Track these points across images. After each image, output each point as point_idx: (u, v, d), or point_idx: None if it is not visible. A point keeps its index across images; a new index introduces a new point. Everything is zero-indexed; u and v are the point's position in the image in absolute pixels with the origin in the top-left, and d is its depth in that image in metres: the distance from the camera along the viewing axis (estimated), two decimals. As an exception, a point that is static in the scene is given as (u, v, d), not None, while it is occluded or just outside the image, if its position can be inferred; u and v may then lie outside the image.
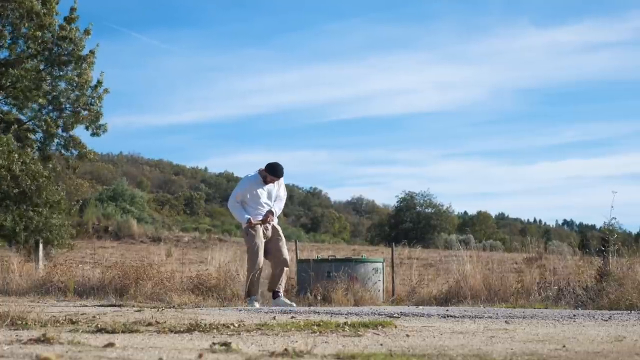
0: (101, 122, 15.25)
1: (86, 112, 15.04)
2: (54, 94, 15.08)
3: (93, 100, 15.13)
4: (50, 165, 15.33)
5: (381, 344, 2.66)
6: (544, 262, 9.42)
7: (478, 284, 7.74)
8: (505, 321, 4.11)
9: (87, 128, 15.23)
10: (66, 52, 14.60)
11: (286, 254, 7.09)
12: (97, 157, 18.23)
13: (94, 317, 4.15)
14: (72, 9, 14.91)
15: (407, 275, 9.90)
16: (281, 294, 6.96)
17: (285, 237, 7.34)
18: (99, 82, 15.19)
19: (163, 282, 7.60)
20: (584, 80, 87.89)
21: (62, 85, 15.10)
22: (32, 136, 15.64)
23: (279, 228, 7.20)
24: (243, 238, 7.47)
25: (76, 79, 14.83)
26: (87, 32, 14.93)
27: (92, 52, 14.96)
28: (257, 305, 6.67)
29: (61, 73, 14.96)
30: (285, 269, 7.05)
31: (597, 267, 7.45)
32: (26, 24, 14.51)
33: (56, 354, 2.13)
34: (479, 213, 48.36)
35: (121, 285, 7.64)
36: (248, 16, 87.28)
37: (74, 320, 3.70)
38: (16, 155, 13.89)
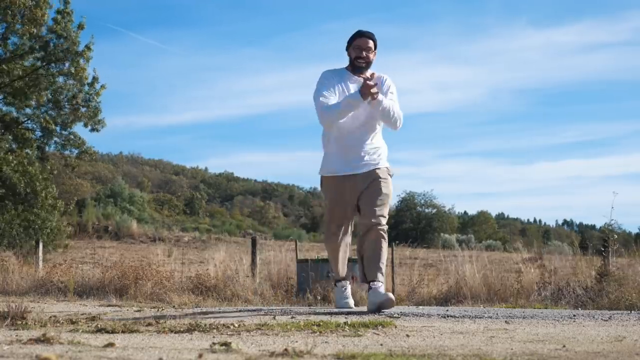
0: (99, 117, 15.29)
1: (84, 109, 15.05)
2: (52, 88, 15.08)
3: (91, 96, 15.14)
4: (49, 167, 15.34)
5: (381, 344, 2.66)
6: (544, 262, 9.43)
7: (478, 284, 7.74)
8: (505, 321, 4.11)
9: (85, 125, 15.25)
10: (62, 49, 14.60)
11: (380, 214, 4.57)
12: (97, 156, 18.23)
13: (94, 317, 4.15)
14: (66, 3, 14.92)
15: (407, 275, 9.90)
16: (378, 283, 4.56)
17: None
18: (95, 79, 15.20)
19: (163, 282, 7.60)
20: (583, 81, 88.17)
21: (60, 80, 15.12)
22: (31, 135, 15.65)
23: (382, 169, 4.71)
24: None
25: (72, 71, 14.85)
26: (80, 26, 14.92)
27: (88, 47, 14.96)
28: (346, 291, 4.94)
29: (59, 69, 14.97)
30: (379, 239, 4.55)
31: (597, 267, 7.45)
32: (19, 20, 14.53)
33: (56, 354, 2.13)
34: (480, 213, 48.39)
35: (121, 285, 7.64)
36: (247, 16, 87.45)
37: (74, 320, 3.70)
38: (10, 157, 13.88)
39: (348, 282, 5.02)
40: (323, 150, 4.85)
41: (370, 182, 4.65)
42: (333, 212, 4.78)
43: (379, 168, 4.73)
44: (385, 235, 4.59)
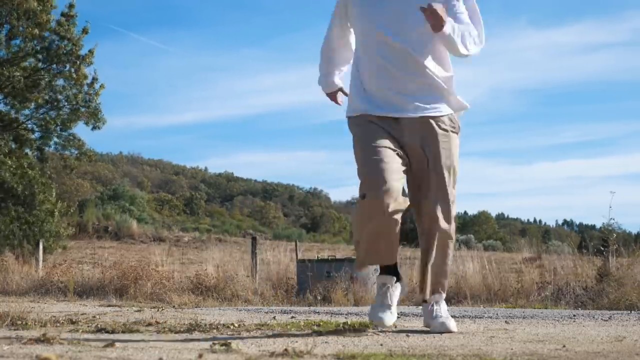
0: (99, 116, 15.28)
1: (84, 108, 15.06)
2: (52, 93, 15.09)
3: (90, 97, 15.15)
4: (48, 172, 15.35)
5: (381, 344, 2.66)
6: (544, 262, 9.43)
7: (478, 284, 7.75)
8: (505, 321, 4.11)
9: (86, 123, 15.25)
10: (64, 52, 14.61)
11: (442, 209, 3.12)
12: (96, 157, 18.24)
13: (94, 317, 4.15)
14: (71, 6, 14.92)
15: (407, 275, 9.88)
16: (437, 302, 3.24)
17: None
18: (95, 79, 15.21)
19: (162, 282, 7.60)
20: (583, 81, 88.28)
21: (61, 83, 15.13)
22: (31, 136, 15.66)
23: (442, 118, 3.16)
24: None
25: (74, 75, 14.86)
26: (85, 30, 14.93)
27: (91, 51, 14.98)
28: (385, 297, 3.20)
29: (59, 71, 14.97)
30: (445, 241, 3.16)
31: (597, 267, 7.45)
32: (23, 23, 14.55)
33: (56, 354, 2.13)
34: (480, 213, 48.40)
35: (121, 286, 7.64)
36: (247, 17, 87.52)
37: (74, 320, 3.70)
38: (9, 161, 13.88)
39: (391, 282, 3.22)
40: (350, 85, 3.28)
41: (424, 143, 3.10)
42: (368, 166, 3.01)
43: (435, 116, 3.13)
44: (453, 236, 3.18)
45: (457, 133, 3.21)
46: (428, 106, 3.13)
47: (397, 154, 3.06)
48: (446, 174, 3.11)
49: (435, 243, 3.14)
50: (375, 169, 2.97)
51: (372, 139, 3.06)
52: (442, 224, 3.11)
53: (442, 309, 3.23)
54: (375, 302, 3.28)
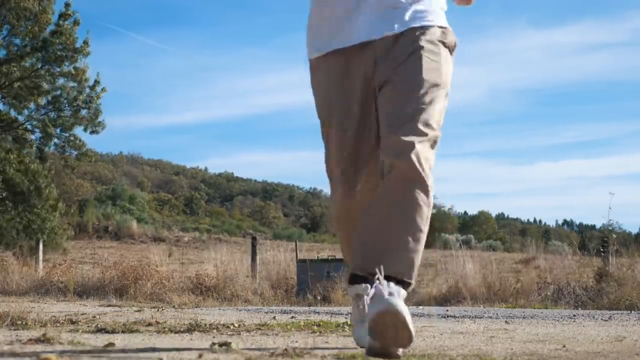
0: (99, 119, 15.30)
1: (85, 110, 15.08)
2: (54, 93, 15.10)
3: (92, 98, 15.16)
4: (48, 168, 15.37)
5: (381, 344, 2.66)
6: (544, 262, 9.43)
7: (478, 284, 7.75)
8: (505, 321, 4.11)
9: (85, 129, 15.26)
10: (60, 47, 14.62)
11: (414, 125, 2.03)
12: (97, 157, 18.30)
13: (94, 317, 4.15)
14: (67, 5, 14.94)
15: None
16: (383, 285, 1.91)
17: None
18: (97, 82, 15.22)
19: (162, 282, 7.61)
20: (583, 81, 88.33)
21: (61, 81, 15.14)
22: (31, 136, 15.67)
23: (430, 32, 2.18)
24: None
25: (73, 71, 14.86)
26: (76, 22, 14.93)
27: (85, 42, 14.97)
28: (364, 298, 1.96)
29: (59, 69, 14.98)
30: (408, 184, 2.07)
31: (596, 267, 7.46)
32: (23, 23, 14.58)
33: (56, 354, 2.13)
34: (480, 213, 48.41)
35: (121, 286, 7.65)
36: (248, 16, 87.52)
37: (74, 320, 3.70)
38: (12, 156, 13.92)
39: (366, 292, 2.00)
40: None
41: (403, 59, 2.16)
42: (332, 142, 2.29)
43: (420, 27, 2.20)
44: (426, 177, 2.11)
45: (450, 50, 2.27)
46: (410, 17, 2.21)
47: (369, 116, 2.22)
48: (430, 89, 2.12)
49: (397, 189, 2.05)
50: (344, 161, 2.25)
51: (335, 110, 2.27)
52: (420, 155, 2.03)
53: (392, 295, 1.90)
54: (352, 319, 2.39)
